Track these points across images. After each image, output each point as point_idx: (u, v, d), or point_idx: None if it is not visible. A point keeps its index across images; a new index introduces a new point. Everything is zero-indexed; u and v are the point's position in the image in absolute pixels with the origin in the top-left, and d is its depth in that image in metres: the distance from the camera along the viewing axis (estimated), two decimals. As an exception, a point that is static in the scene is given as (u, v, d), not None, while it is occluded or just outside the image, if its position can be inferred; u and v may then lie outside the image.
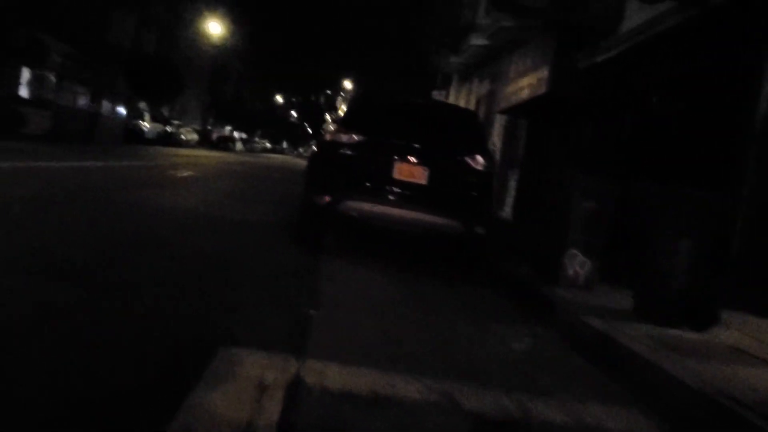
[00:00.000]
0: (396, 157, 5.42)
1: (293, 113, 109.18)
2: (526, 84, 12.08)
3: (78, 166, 10.21)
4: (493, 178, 5.92)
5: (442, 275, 5.71)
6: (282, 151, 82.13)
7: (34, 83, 23.41)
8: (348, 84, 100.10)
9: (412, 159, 5.45)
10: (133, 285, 3.32)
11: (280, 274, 4.52)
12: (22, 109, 18.52)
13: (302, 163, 46.55)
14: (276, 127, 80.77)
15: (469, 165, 5.63)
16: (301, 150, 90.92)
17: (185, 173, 12.59)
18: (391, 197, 5.42)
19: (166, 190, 8.73)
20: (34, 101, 21.10)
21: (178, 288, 3.45)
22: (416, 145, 5.55)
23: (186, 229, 5.59)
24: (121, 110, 29.90)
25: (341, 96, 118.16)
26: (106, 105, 28.83)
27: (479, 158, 5.65)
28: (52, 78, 24.71)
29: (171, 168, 13.55)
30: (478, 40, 17.25)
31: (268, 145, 74.35)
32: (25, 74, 22.91)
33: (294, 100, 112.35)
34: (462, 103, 18.15)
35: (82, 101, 27.12)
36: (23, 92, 22.39)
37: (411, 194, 5.44)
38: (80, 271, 3.43)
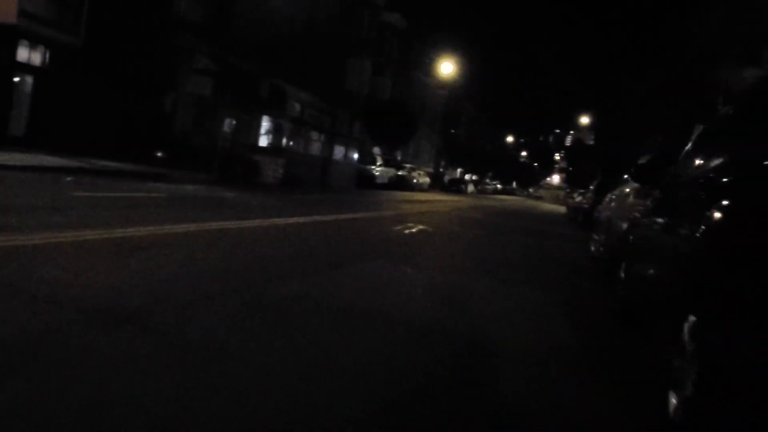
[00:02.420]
0: None
1: (523, 153, 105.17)
2: None
3: (283, 224, 8.21)
4: None
5: None
6: (512, 192, 78.46)
7: (272, 131, 23.70)
8: (585, 119, 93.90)
9: None
10: None
11: None
12: (257, 158, 18.35)
13: (540, 205, 42.79)
14: (506, 167, 77.72)
15: None
16: (530, 190, 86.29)
17: (413, 228, 10.06)
18: None
19: (379, 261, 6.08)
20: (269, 149, 21.09)
21: None
22: None
23: (388, 406, 2.64)
24: (354, 155, 29.56)
25: (572, 133, 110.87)
26: (339, 150, 28.65)
27: None
28: (289, 125, 24.93)
29: (397, 221, 11.19)
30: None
31: (499, 186, 71.44)
32: (265, 123, 23.25)
33: (523, 140, 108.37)
34: None
35: (316, 147, 27.15)
36: (261, 140, 22.66)
37: None
38: None
